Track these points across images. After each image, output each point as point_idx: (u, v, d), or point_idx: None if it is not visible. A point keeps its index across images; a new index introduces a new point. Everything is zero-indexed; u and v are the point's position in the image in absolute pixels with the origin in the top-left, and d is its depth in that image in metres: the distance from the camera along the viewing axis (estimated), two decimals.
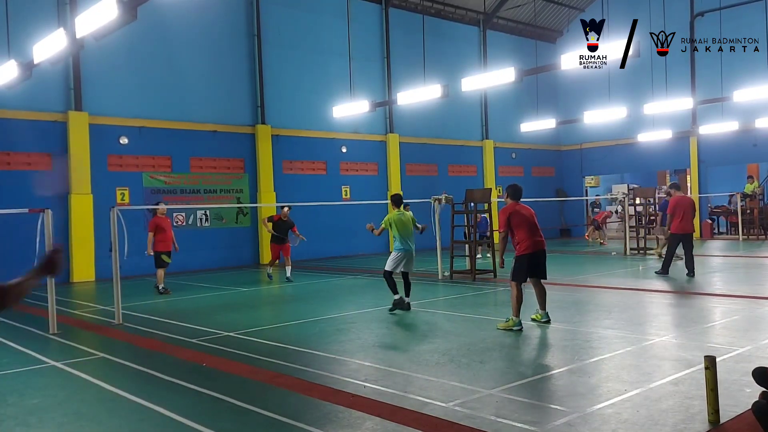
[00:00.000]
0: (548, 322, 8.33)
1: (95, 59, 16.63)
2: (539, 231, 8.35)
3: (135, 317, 10.08)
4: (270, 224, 14.65)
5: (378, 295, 12.19)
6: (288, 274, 14.73)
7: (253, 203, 19.57)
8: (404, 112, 23.06)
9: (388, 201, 13.27)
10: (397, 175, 23.43)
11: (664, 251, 14.36)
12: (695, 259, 13.05)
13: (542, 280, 8.46)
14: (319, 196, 20.46)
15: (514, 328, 8.01)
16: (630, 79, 24.85)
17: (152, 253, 12.75)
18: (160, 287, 12.97)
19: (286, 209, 14.68)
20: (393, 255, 10.02)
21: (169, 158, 18.38)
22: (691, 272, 12.71)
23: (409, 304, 9.87)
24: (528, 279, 8.31)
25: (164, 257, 12.88)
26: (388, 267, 9.95)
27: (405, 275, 10.01)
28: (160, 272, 12.98)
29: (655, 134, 24.52)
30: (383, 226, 10.07)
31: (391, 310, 9.73)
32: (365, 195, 21.82)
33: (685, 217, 12.71)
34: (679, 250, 13.25)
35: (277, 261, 15.02)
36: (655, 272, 13.41)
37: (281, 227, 14.57)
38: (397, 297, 9.71)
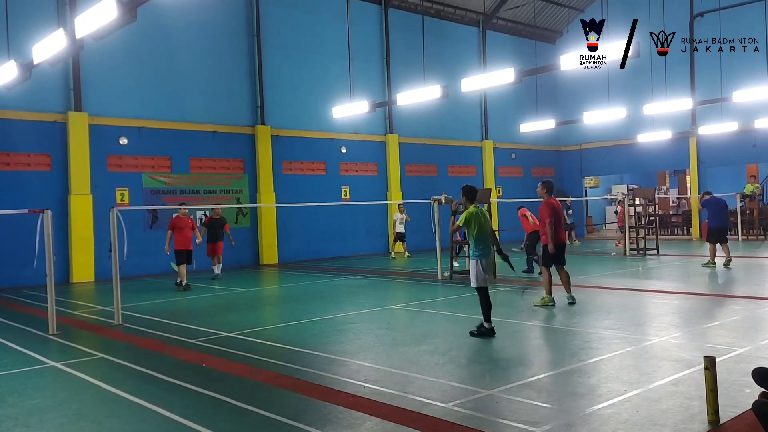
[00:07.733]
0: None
1: (95, 59, 16.62)
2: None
3: (134, 318, 10.08)
4: (204, 229, 15.69)
5: (377, 295, 12.21)
6: (217, 271, 15.85)
7: (252, 204, 19.56)
8: (404, 113, 23.05)
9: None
10: (397, 175, 23.41)
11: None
12: (693, 259, 13.07)
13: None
14: (319, 197, 20.45)
15: (549, 304, 9.67)
16: (630, 79, 24.86)
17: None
18: (183, 282, 13.71)
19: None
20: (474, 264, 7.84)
21: (168, 159, 18.38)
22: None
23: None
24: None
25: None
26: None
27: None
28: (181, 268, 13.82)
29: (655, 135, 24.49)
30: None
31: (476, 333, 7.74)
32: (365, 195, 21.80)
33: None
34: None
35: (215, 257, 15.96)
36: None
37: (213, 225, 15.75)
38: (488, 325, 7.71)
